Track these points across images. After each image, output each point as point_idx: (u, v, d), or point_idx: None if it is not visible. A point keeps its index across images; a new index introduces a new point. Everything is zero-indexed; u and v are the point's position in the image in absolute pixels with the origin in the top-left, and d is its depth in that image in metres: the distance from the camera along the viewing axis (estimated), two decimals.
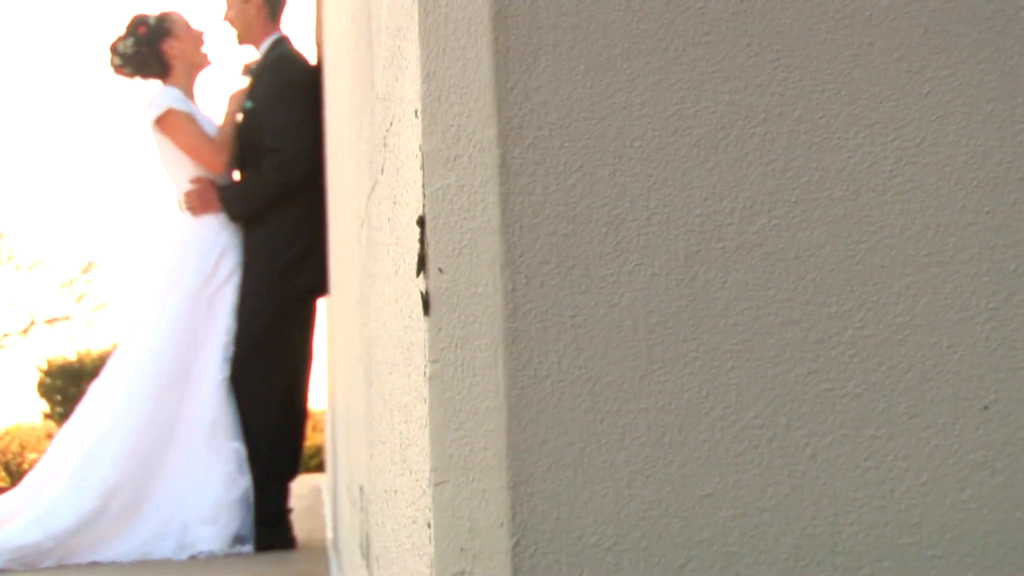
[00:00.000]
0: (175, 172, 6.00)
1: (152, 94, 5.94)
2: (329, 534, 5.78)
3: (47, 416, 19.82)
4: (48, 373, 20.20)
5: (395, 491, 1.12)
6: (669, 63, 0.98)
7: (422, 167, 1.00)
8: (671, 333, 0.98)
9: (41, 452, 10.31)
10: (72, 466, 5.62)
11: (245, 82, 6.15)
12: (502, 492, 0.97)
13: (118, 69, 6.06)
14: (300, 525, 6.47)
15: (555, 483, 0.97)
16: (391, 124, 1.18)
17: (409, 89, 1.03)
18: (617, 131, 1.00)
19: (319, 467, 12.54)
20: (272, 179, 5.85)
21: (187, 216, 5.98)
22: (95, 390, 5.84)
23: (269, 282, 5.88)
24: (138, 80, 6.12)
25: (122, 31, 6.06)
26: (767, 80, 1.00)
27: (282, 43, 6.09)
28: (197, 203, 5.91)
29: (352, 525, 2.69)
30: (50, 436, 13.14)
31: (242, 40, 6.14)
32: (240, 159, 5.98)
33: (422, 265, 0.99)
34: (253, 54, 6.17)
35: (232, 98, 6.05)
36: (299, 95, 5.91)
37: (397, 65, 1.10)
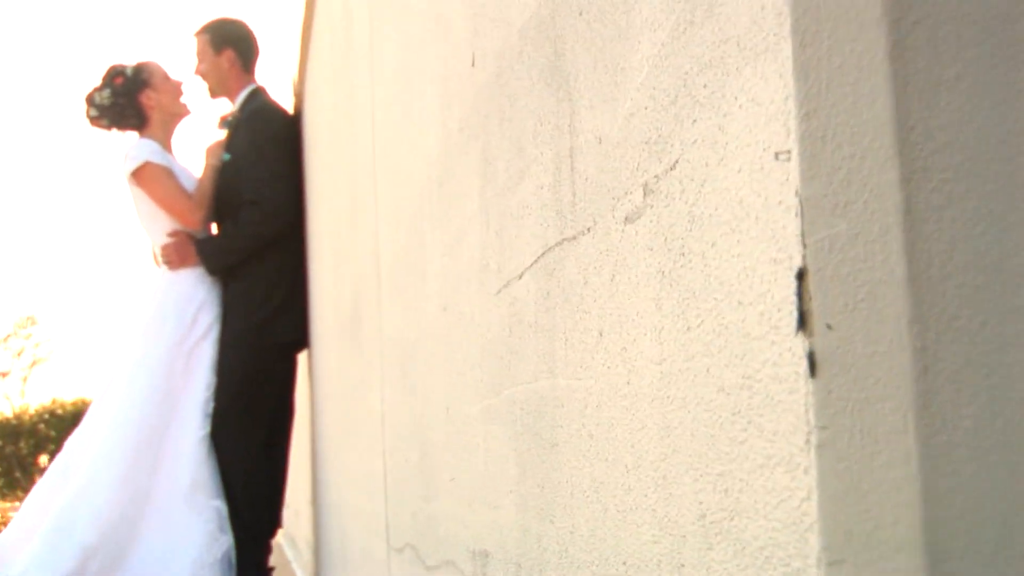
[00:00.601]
0: (151, 225, 5.83)
1: (128, 146, 5.77)
2: None
3: None
4: None
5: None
6: None
7: (799, 214, 0.90)
8: None
9: None
10: (48, 525, 5.40)
11: (222, 134, 6.01)
12: (917, 573, 0.86)
13: (94, 120, 5.88)
14: None
15: (973, 563, 0.87)
16: (673, 166, 1.07)
17: (765, 130, 0.93)
18: None
19: None
20: (250, 231, 5.70)
21: (164, 270, 5.80)
22: (71, 445, 5.63)
23: (248, 336, 5.72)
24: (114, 132, 5.94)
25: (98, 82, 5.89)
26: None
27: (258, 94, 5.96)
28: (175, 257, 5.74)
29: None
30: None
31: (216, 93, 6.00)
32: (218, 211, 5.82)
33: (804, 322, 0.89)
34: (228, 106, 6.03)
35: (209, 151, 5.90)
36: (278, 146, 5.78)
37: (729, 101, 0.99)
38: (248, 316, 5.73)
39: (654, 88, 1.11)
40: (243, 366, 5.69)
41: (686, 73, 1.04)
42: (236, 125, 5.83)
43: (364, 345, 3.63)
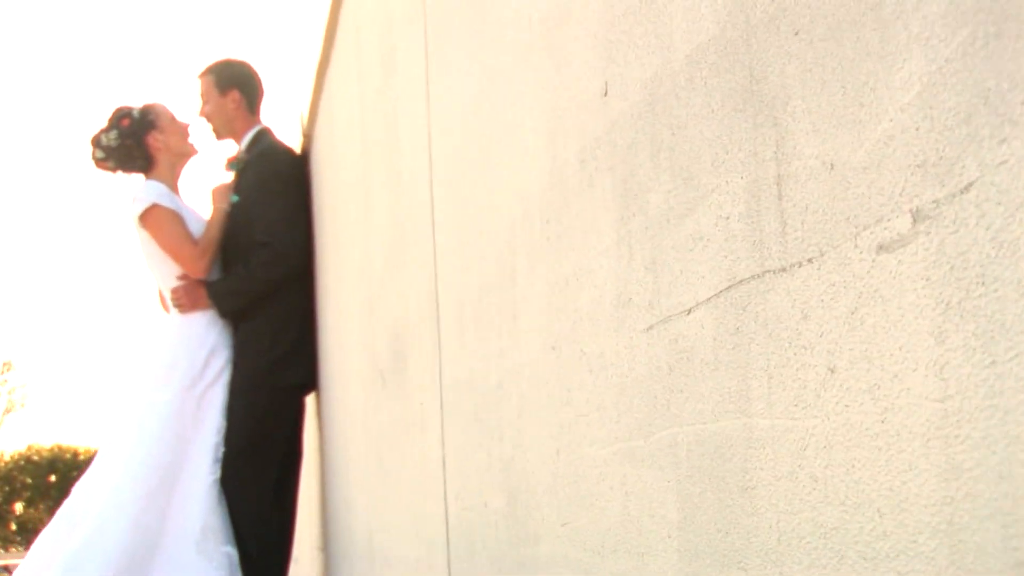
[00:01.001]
0: (159, 268, 5.73)
1: (136, 188, 5.67)
2: None
3: None
4: None
5: None
6: None
7: None
8: None
9: None
10: (57, 571, 5.27)
11: (228, 176, 5.93)
12: None
13: (100, 163, 5.79)
14: None
15: None
16: None
17: None
18: None
19: None
20: (262, 273, 5.62)
21: (173, 313, 5.70)
22: (79, 490, 5.51)
23: (259, 379, 5.63)
24: (120, 175, 5.85)
25: (104, 124, 5.80)
26: None
27: (265, 135, 5.89)
28: (186, 300, 5.64)
29: None
30: None
31: (221, 135, 5.92)
32: (228, 254, 5.73)
33: None
34: (234, 147, 5.94)
35: (216, 193, 5.81)
36: (287, 187, 5.71)
37: None
38: (259, 359, 5.63)
39: (931, 108, 1.04)
40: (254, 410, 5.59)
41: (988, 90, 0.97)
42: (243, 166, 5.75)
43: (409, 387, 3.55)
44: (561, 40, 2.03)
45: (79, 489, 5.52)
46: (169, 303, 5.73)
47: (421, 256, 3.30)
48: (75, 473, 36.64)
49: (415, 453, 3.41)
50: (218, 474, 5.51)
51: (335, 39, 4.96)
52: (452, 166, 2.93)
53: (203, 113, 5.91)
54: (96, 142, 5.76)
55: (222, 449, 5.55)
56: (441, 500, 3.06)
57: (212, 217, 5.71)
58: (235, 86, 5.86)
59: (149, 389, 5.56)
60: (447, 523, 3.00)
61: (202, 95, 5.90)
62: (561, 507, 2.07)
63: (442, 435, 3.03)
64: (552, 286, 2.09)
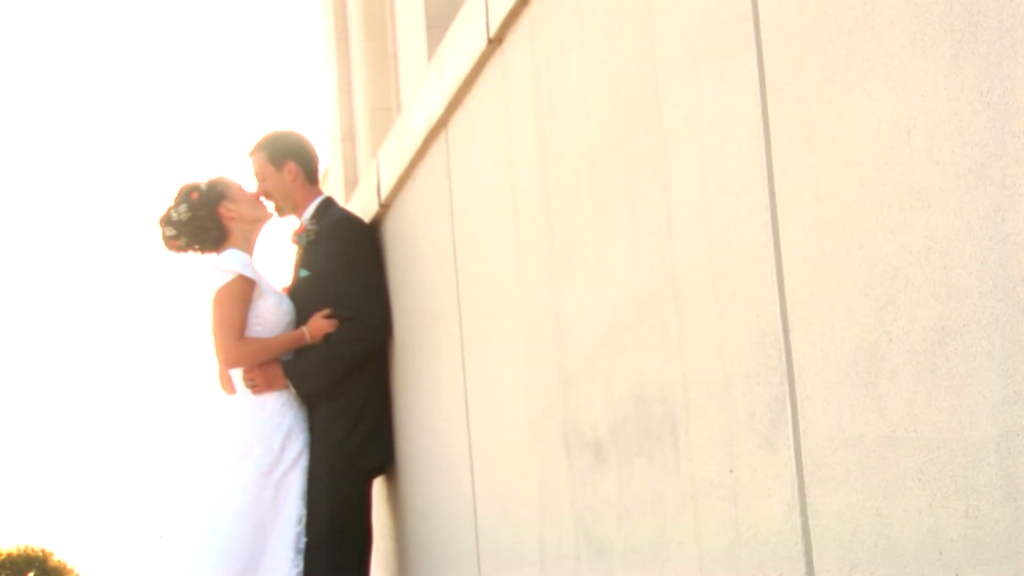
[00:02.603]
0: None
1: (218, 260, 5.23)
2: None
3: None
4: None
5: None
6: None
7: None
8: None
9: None
10: None
11: (294, 251, 5.50)
12: None
13: (171, 241, 5.36)
14: None
15: None
16: None
17: None
18: None
19: None
20: (346, 350, 5.18)
21: (245, 394, 5.24)
22: None
23: (341, 464, 5.18)
24: (191, 253, 5.42)
25: (171, 202, 5.39)
26: None
27: (331, 204, 5.46)
28: (261, 380, 5.18)
29: None
30: None
31: (284, 211, 5.49)
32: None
33: None
34: (296, 222, 5.50)
35: (313, 328, 5.26)
36: (369, 259, 5.29)
37: None
38: (341, 442, 5.19)
39: None
40: (336, 496, 5.15)
41: None
42: (314, 239, 5.32)
43: (686, 457, 3.13)
44: None
45: None
46: (237, 383, 5.27)
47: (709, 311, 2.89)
48: None
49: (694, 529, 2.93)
50: (301, 566, 5.04)
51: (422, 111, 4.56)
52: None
53: (261, 192, 5.45)
54: (166, 220, 5.32)
55: (303, 540, 5.07)
56: None
57: (282, 338, 5.21)
58: (290, 157, 5.43)
59: (220, 477, 5.09)
60: None
61: (256, 174, 5.46)
62: None
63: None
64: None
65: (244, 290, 5.17)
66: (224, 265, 5.18)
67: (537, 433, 3.69)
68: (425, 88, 4.57)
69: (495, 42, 3.82)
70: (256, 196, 5.45)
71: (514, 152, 3.77)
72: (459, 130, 4.28)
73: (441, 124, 4.40)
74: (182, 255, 5.47)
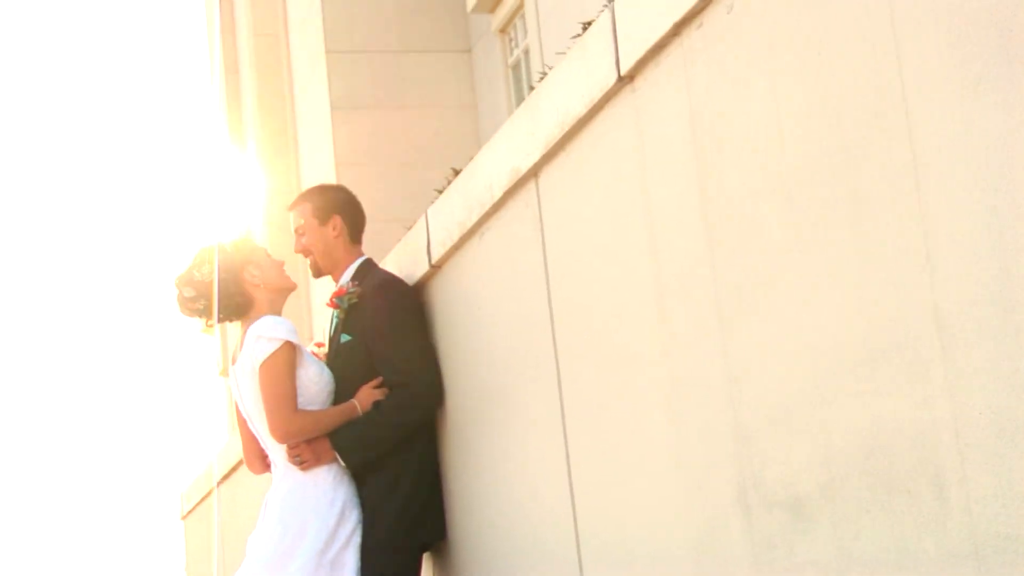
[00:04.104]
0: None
1: (260, 326, 4.80)
2: None
3: None
4: None
5: None
6: None
7: None
8: None
9: None
10: None
11: (331, 315, 5.11)
12: None
13: (188, 303, 4.91)
14: None
15: None
16: None
17: None
18: None
19: None
20: (398, 418, 4.78)
21: (289, 471, 4.81)
22: None
23: (397, 539, 4.79)
24: (205, 320, 4.98)
25: (190, 260, 4.95)
26: None
27: (373, 266, 5.07)
28: (309, 455, 4.75)
29: None
30: None
31: (321, 271, 5.09)
32: (342, 400, 4.87)
33: None
34: (332, 284, 5.12)
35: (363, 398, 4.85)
36: (419, 323, 4.91)
37: None
38: (397, 515, 4.79)
39: None
40: (392, 570, 4.74)
41: None
42: (356, 301, 4.92)
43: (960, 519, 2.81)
44: None
45: None
46: (277, 459, 4.84)
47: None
48: None
49: None
50: None
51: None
52: None
53: (301, 248, 5.06)
54: (185, 280, 4.88)
55: None
56: None
57: (333, 412, 4.79)
58: (337, 212, 5.02)
59: (278, 559, 4.63)
60: None
61: (297, 228, 5.05)
62: None
63: None
64: None
65: (292, 357, 4.75)
66: (268, 332, 4.75)
67: (692, 497, 3.35)
68: (506, 140, 4.24)
69: (626, 79, 3.52)
70: (282, 264, 5.04)
71: (653, 195, 3.47)
72: (559, 177, 3.96)
73: (531, 174, 4.08)
74: (195, 319, 5.05)
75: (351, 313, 4.93)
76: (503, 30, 14.10)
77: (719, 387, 3.21)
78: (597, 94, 3.63)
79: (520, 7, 13.39)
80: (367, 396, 4.77)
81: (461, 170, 4.78)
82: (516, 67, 13.96)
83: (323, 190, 5.14)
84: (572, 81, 3.78)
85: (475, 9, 14.11)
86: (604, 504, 3.81)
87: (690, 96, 3.27)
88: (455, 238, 4.62)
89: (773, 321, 3.00)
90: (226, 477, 9.48)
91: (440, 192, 4.95)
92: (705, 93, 3.22)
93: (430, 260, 4.85)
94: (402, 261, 5.14)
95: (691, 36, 3.25)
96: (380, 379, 4.79)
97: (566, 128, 3.82)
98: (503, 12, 13.84)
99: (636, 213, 3.54)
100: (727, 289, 3.17)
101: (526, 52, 13.45)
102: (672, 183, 3.37)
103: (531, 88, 3.57)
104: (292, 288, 5.01)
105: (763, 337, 3.04)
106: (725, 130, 3.15)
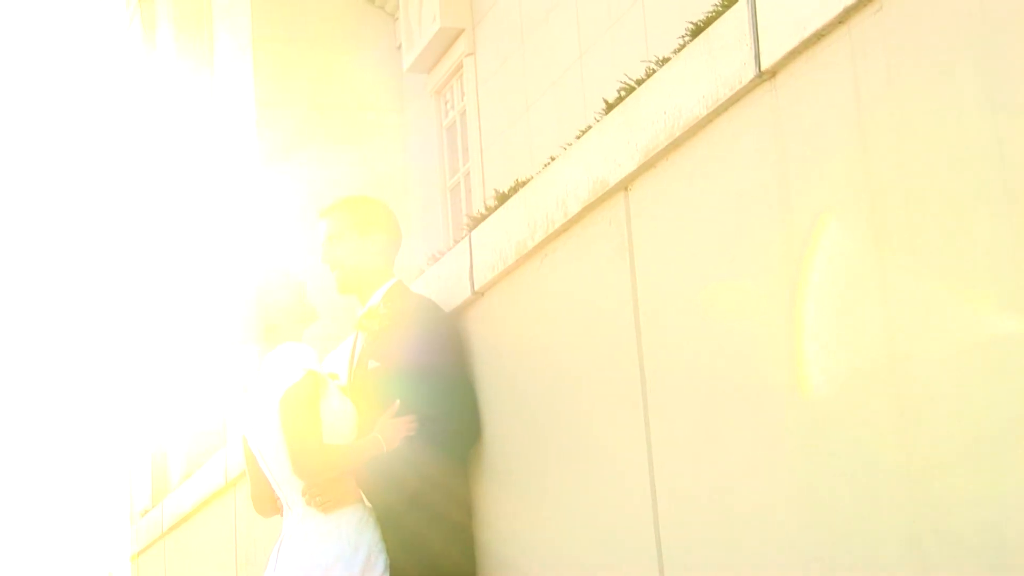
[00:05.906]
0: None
1: (281, 354, 4.26)
2: None
3: None
4: None
5: None
6: None
7: None
8: None
9: None
10: None
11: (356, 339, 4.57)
12: None
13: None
14: None
15: None
16: None
17: None
18: None
19: None
20: (431, 455, 4.26)
21: (310, 513, 4.25)
22: None
23: None
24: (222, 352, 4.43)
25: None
26: None
27: (405, 289, 4.53)
28: (332, 494, 4.21)
29: None
30: None
31: (348, 288, 4.53)
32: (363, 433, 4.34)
33: None
34: (357, 304, 4.56)
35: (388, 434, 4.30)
36: (454, 352, 4.40)
37: None
38: (426, 560, 4.26)
39: None
40: None
41: None
42: (386, 326, 4.40)
43: None
44: None
45: None
46: (292, 502, 4.28)
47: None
48: None
49: None
50: None
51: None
52: None
53: (330, 258, 4.48)
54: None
55: None
56: None
57: (360, 445, 4.24)
58: (379, 229, 4.49)
59: None
60: None
61: (331, 236, 4.47)
62: None
63: None
64: None
65: (316, 388, 4.22)
66: (291, 359, 4.22)
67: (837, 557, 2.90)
68: (590, 149, 3.79)
69: (767, 75, 3.11)
70: (304, 287, 4.50)
71: (793, 198, 3.04)
72: (658, 189, 3.52)
73: (621, 187, 3.64)
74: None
75: (379, 337, 4.41)
76: (439, 91, 13.68)
77: (884, 417, 2.78)
78: (726, 93, 3.21)
79: (459, 68, 13.00)
80: (391, 429, 4.23)
81: (510, 193, 4.32)
82: (451, 128, 13.54)
83: (364, 202, 4.62)
84: (689, 82, 3.35)
85: (411, 69, 13.67)
86: (693, 548, 3.34)
87: (855, 88, 2.86)
88: (509, 261, 4.15)
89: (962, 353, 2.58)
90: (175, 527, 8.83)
91: (486, 214, 4.45)
92: (867, 84, 2.81)
93: (472, 286, 4.36)
94: (435, 287, 4.63)
95: (863, 24, 2.84)
96: (396, 406, 4.25)
97: (676, 134, 3.38)
98: (440, 73, 13.42)
99: (773, 227, 3.10)
100: (896, 304, 2.74)
101: (462, 114, 13.03)
102: (828, 186, 2.95)
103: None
104: (314, 320, 4.49)
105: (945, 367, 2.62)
106: (886, 127, 2.74)
